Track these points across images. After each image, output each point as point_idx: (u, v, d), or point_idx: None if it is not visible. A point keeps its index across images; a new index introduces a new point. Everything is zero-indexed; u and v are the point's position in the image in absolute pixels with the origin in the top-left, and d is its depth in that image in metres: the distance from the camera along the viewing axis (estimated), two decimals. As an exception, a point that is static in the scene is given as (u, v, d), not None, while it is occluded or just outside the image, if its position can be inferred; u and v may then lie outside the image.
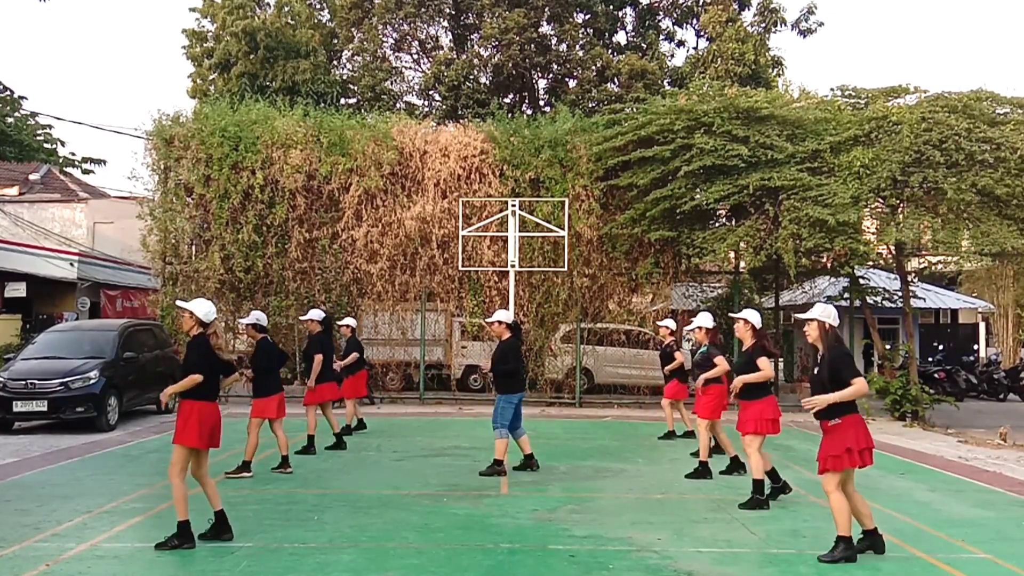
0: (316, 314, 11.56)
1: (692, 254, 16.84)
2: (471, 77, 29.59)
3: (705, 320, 10.03)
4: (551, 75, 31.09)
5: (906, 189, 15.27)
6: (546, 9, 29.56)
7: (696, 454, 11.07)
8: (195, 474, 6.86)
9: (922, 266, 22.45)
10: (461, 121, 23.30)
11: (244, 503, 8.17)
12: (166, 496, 8.42)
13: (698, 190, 16.16)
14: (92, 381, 13.24)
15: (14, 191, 29.81)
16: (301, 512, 7.87)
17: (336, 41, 33.17)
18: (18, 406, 13.00)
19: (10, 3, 64.42)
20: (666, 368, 12.71)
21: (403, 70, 32.95)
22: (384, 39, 31.87)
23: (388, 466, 10.58)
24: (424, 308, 18.56)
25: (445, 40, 32.75)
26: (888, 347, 19.01)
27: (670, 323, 13.16)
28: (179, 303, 7.38)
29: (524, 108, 29.57)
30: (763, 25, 30.82)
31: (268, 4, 33.26)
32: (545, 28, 30.63)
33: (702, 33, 31.58)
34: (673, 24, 33.46)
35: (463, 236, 17.18)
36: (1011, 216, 14.97)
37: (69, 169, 24.79)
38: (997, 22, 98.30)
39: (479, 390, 19.60)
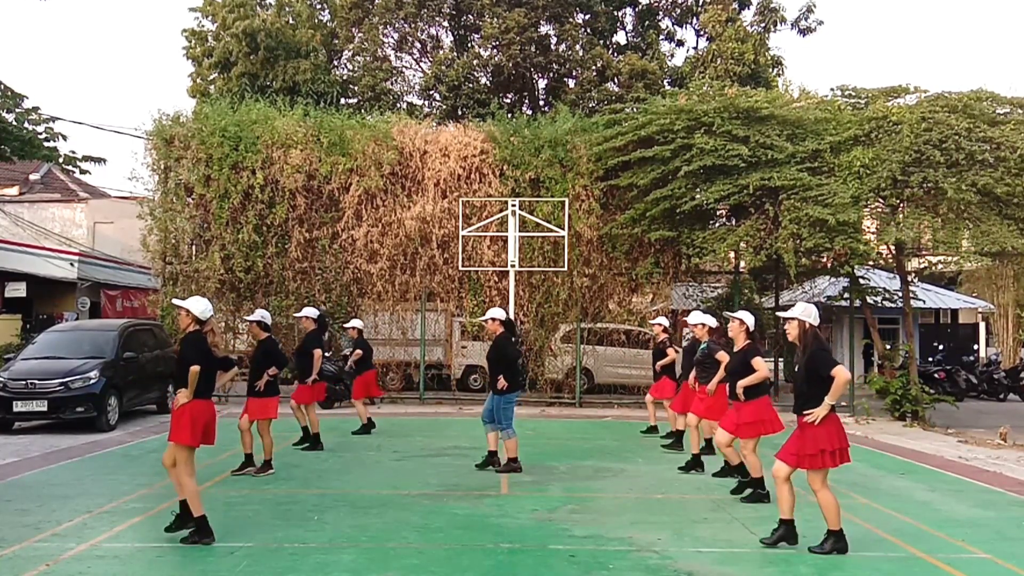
0: (311, 311, 11.59)
1: (692, 254, 16.84)
2: (471, 77, 29.59)
3: (709, 318, 10.07)
4: (551, 75, 31.09)
5: (906, 189, 15.27)
6: (546, 9, 29.55)
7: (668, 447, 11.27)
8: (166, 462, 6.83)
9: (922, 266, 22.46)
10: (461, 121, 23.30)
11: (244, 503, 8.17)
12: (166, 496, 8.43)
13: (698, 190, 16.15)
14: (92, 381, 13.23)
15: (14, 191, 29.83)
16: (301, 512, 7.87)
17: (336, 41, 33.18)
18: (18, 406, 13.00)
19: (10, 3, 64.42)
20: (658, 364, 12.68)
21: (403, 70, 32.96)
22: (384, 39, 31.89)
23: (388, 466, 10.58)
24: (424, 308, 18.56)
25: (445, 40, 32.76)
26: (888, 347, 19.01)
27: (663, 320, 13.14)
28: (175, 301, 7.39)
29: (524, 108, 29.57)
30: (763, 25, 30.83)
31: (268, 4, 33.26)
32: (545, 28, 30.63)
33: (702, 33, 31.59)
34: (673, 24, 33.48)
35: (463, 236, 17.18)
36: (1011, 216, 14.97)
37: (70, 167, 24.83)
38: (997, 22, 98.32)
39: (479, 390, 19.58)
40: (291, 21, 32.60)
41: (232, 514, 7.16)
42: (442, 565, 6.29)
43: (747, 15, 31.12)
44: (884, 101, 16.03)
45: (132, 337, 14.95)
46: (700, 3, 31.59)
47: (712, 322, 10.05)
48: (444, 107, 29.61)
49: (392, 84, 31.89)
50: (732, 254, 18.47)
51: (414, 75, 33.09)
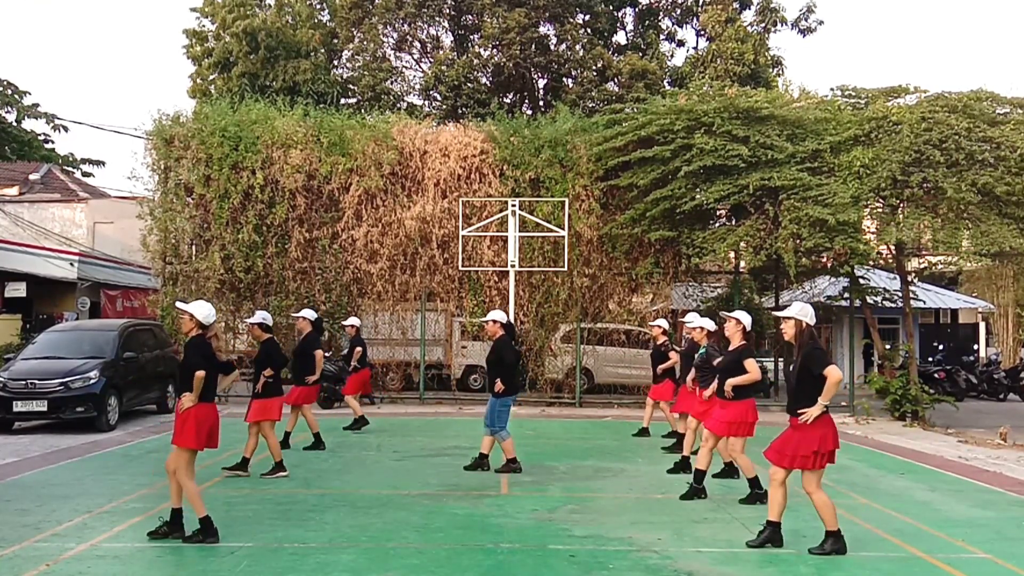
0: (308, 313, 11.61)
1: (692, 254, 16.83)
2: (471, 77, 29.57)
3: (707, 322, 10.06)
4: (551, 75, 31.08)
5: (906, 189, 15.27)
6: (546, 9, 29.54)
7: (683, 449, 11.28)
8: (168, 467, 6.83)
9: (922, 266, 22.46)
10: (461, 121, 23.29)
11: (244, 503, 8.17)
12: (166, 496, 8.41)
13: (698, 190, 16.15)
14: (92, 381, 13.23)
15: (14, 191, 29.80)
16: (301, 512, 7.87)
17: (336, 41, 33.16)
18: (18, 406, 13.00)
19: (10, 3, 64.41)
20: (659, 368, 12.67)
21: (403, 70, 32.94)
22: (384, 39, 31.86)
23: (388, 466, 10.58)
24: (424, 308, 18.56)
25: (445, 40, 32.75)
26: (888, 347, 19.01)
27: (663, 323, 13.12)
28: (179, 304, 7.39)
29: (524, 108, 29.55)
30: (763, 25, 30.82)
31: (268, 4, 33.25)
32: (545, 28, 30.61)
33: (702, 33, 31.58)
34: (673, 24, 33.46)
35: (463, 236, 17.18)
36: (1011, 215, 14.98)
37: (69, 169, 24.84)
38: (997, 22, 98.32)
39: (479, 390, 19.59)
40: (291, 21, 32.59)
41: (232, 514, 7.16)
42: (442, 565, 6.29)
43: (747, 15, 31.11)
44: (884, 101, 16.03)
45: (132, 337, 14.95)
46: (700, 3, 31.57)
47: (711, 325, 10.01)
48: (444, 107, 29.60)
49: (392, 84, 31.86)
50: (732, 254, 18.47)
51: (414, 75, 33.09)
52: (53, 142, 21.62)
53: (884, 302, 18.22)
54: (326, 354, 14.27)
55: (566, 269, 17.48)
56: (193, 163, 17.98)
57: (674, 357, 12.57)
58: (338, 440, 12.34)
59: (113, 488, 8.88)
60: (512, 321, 10.49)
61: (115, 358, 14.00)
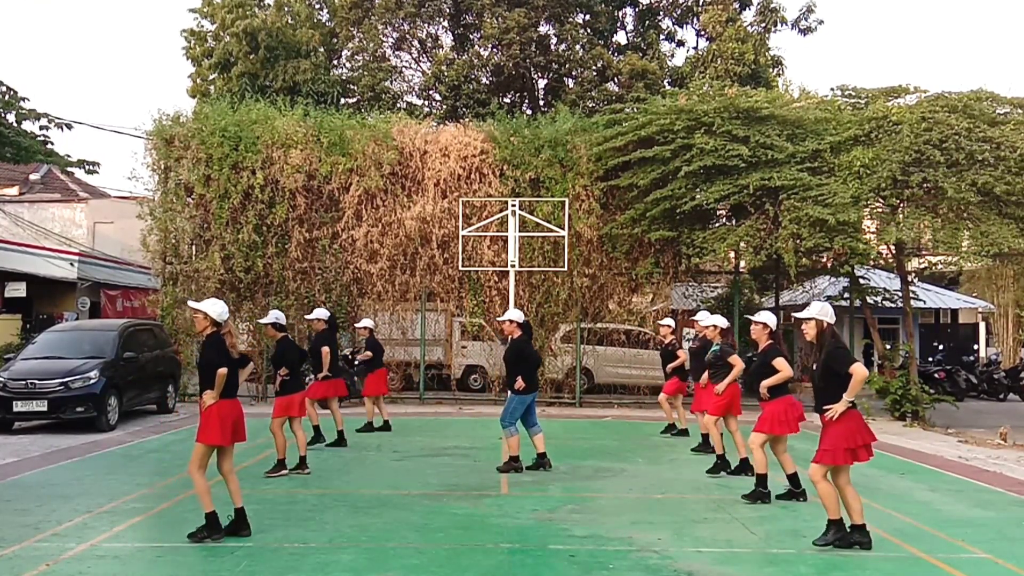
0: (322, 313, 11.84)
1: (692, 254, 16.84)
2: (471, 77, 29.56)
3: (720, 319, 10.10)
4: (551, 75, 31.07)
5: (906, 189, 15.26)
6: (546, 9, 29.53)
7: (697, 449, 11.29)
8: (220, 470, 6.94)
9: (922, 266, 22.46)
10: (461, 121, 23.28)
11: (244, 503, 8.15)
12: (166, 496, 8.45)
13: (698, 190, 16.15)
14: (92, 381, 13.22)
15: (14, 191, 29.81)
16: (301, 512, 7.88)
17: (336, 41, 33.16)
18: (18, 406, 12.99)
19: (9, 3, 64.41)
20: (668, 366, 12.75)
21: (403, 70, 32.94)
22: (384, 39, 31.85)
23: (388, 466, 10.58)
24: (424, 308, 18.56)
25: (445, 40, 32.74)
26: (888, 347, 19.01)
27: (670, 322, 13.21)
28: (191, 304, 7.42)
29: (524, 108, 29.55)
30: (763, 25, 30.81)
31: (268, 4, 33.23)
32: (545, 28, 30.61)
33: (702, 33, 31.57)
34: (673, 24, 33.43)
35: (463, 236, 17.17)
36: (1011, 215, 14.97)
37: (70, 170, 24.80)
38: (997, 22, 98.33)
39: (479, 390, 19.60)
40: (291, 21, 32.58)
41: (232, 514, 7.15)
42: (442, 565, 6.29)
43: (747, 15, 31.09)
44: (884, 101, 16.02)
45: (132, 337, 14.94)
46: (700, 3, 31.55)
47: (723, 323, 10.10)
48: (444, 107, 29.58)
49: (392, 84, 31.86)
50: (732, 254, 18.47)
51: (414, 75, 33.09)
52: (53, 143, 21.55)
53: (884, 302, 18.22)
54: (345, 352, 14.38)
55: (566, 269, 17.48)
56: (193, 163, 17.98)
57: (682, 356, 12.67)
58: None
59: (113, 488, 8.88)
60: (529, 321, 10.50)
61: (115, 358, 14.00)
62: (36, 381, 13.07)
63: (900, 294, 17.31)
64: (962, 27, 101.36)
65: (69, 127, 20.64)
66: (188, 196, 18.46)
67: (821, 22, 31.97)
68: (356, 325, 14.29)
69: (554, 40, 30.68)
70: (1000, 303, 30.00)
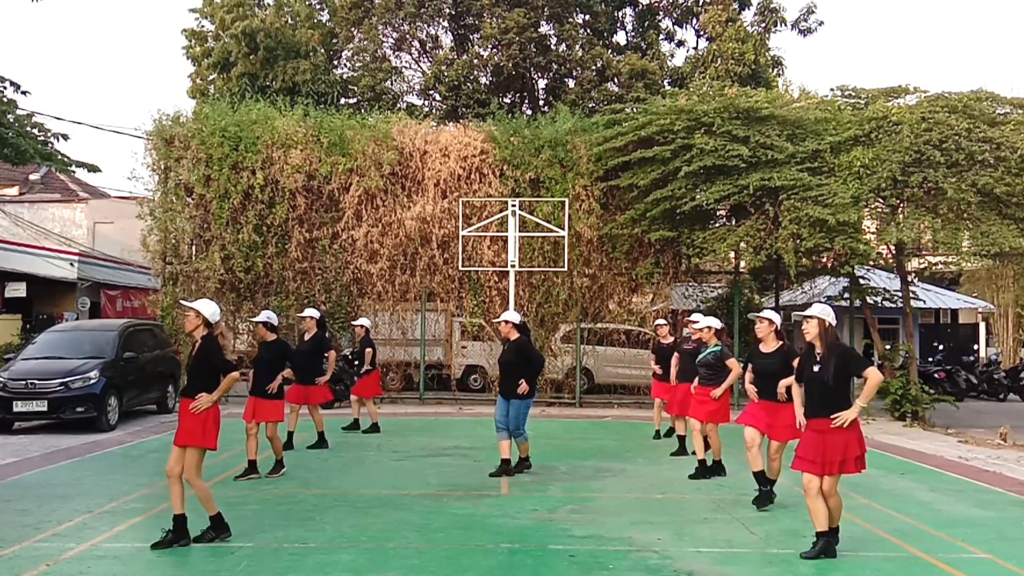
0: (313, 312, 11.68)
1: (692, 254, 16.83)
2: (471, 77, 29.58)
3: (714, 320, 9.94)
4: (551, 75, 31.08)
5: (906, 189, 15.26)
6: (546, 9, 29.54)
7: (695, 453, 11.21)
8: (173, 471, 6.68)
9: (922, 266, 22.45)
10: (461, 121, 23.29)
11: (244, 503, 8.17)
12: (166, 496, 8.40)
13: (698, 190, 16.15)
14: (92, 381, 13.23)
15: (14, 191, 29.79)
16: (301, 512, 7.87)
17: (336, 41, 33.17)
18: (18, 406, 13.00)
19: (8, 3, 64.45)
20: (661, 367, 12.59)
21: (403, 70, 32.95)
22: (384, 39, 31.86)
23: (388, 466, 10.58)
24: (424, 308, 18.56)
25: (445, 40, 32.75)
26: (888, 347, 19.01)
27: (663, 321, 13.07)
28: (183, 302, 7.38)
29: (524, 108, 29.56)
30: (763, 25, 30.82)
31: (267, 4, 33.23)
32: (545, 28, 30.62)
33: (702, 33, 31.58)
34: (673, 24, 33.45)
35: (463, 236, 17.18)
36: (1011, 216, 14.97)
37: (72, 170, 24.75)
38: (997, 22, 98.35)
39: (479, 390, 19.60)
40: (290, 21, 32.59)
41: (232, 514, 7.15)
42: (442, 565, 6.29)
43: (747, 15, 31.11)
44: (884, 101, 16.02)
45: (132, 337, 14.94)
46: (700, 3, 31.56)
47: (717, 324, 9.91)
48: (444, 107, 29.60)
49: (392, 84, 31.87)
50: (732, 254, 18.47)
51: (414, 75, 33.10)
52: (54, 143, 21.53)
53: (884, 302, 18.22)
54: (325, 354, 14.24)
55: (566, 269, 17.48)
56: (193, 163, 17.98)
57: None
58: (338, 440, 12.32)
59: (113, 488, 8.88)
60: (526, 322, 10.36)
61: (115, 358, 14.00)
62: (36, 381, 13.07)
63: (900, 294, 17.31)
64: (962, 27, 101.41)
65: (66, 137, 20.61)
66: (188, 196, 18.47)
67: (821, 23, 32.03)
68: (353, 323, 14.21)
69: (554, 40, 30.68)
70: (1000, 303, 30.00)
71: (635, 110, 18.46)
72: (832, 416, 6.35)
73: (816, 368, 6.57)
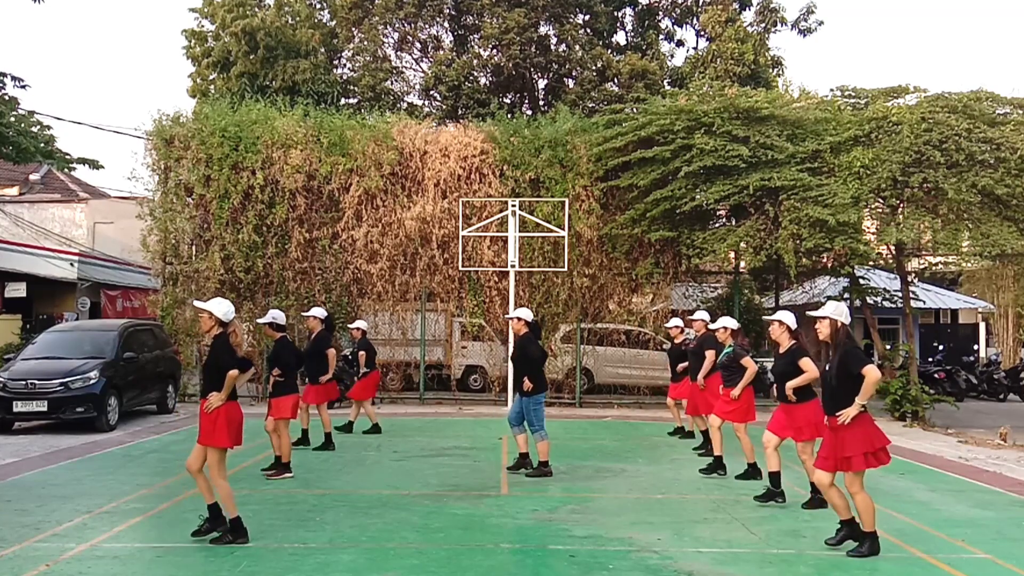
0: (319, 312, 11.62)
1: (692, 254, 16.82)
2: (471, 77, 29.58)
3: (730, 321, 9.97)
4: (551, 75, 31.08)
5: (906, 189, 15.27)
6: (546, 9, 29.54)
7: (701, 451, 11.20)
8: (193, 468, 6.77)
9: (922, 266, 22.45)
10: (461, 121, 23.28)
11: (244, 503, 8.13)
12: (166, 496, 8.45)
13: (698, 190, 16.15)
14: (92, 381, 13.22)
15: (14, 191, 29.77)
16: (301, 512, 7.87)
17: (336, 41, 33.16)
18: (18, 406, 12.99)
19: (8, 3, 64.45)
20: (679, 366, 12.62)
21: (403, 70, 32.95)
22: (384, 39, 31.86)
23: (388, 466, 10.58)
24: (424, 308, 18.56)
25: (445, 40, 32.75)
26: (888, 347, 19.01)
27: (679, 322, 13.08)
28: (196, 303, 7.32)
29: (524, 108, 29.56)
30: (763, 25, 30.83)
31: (267, 4, 33.24)
32: (545, 28, 30.62)
33: (702, 33, 31.60)
34: (673, 24, 33.47)
35: (463, 236, 17.18)
36: (1011, 217, 14.97)
37: (67, 168, 24.75)
38: (997, 22, 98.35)
39: (479, 390, 19.60)
40: (290, 21, 32.58)
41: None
42: (442, 565, 6.29)
43: (747, 15, 31.12)
44: (884, 101, 16.02)
45: (132, 337, 14.94)
46: (700, 3, 31.58)
47: (734, 324, 9.94)
48: (444, 107, 29.60)
49: (392, 84, 31.88)
50: (732, 254, 18.46)
51: (414, 75, 33.09)
52: (55, 142, 21.55)
53: (884, 302, 18.22)
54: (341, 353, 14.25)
55: (566, 269, 17.48)
56: (193, 163, 17.98)
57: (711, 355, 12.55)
58: (338, 440, 12.28)
59: (113, 488, 8.88)
60: (536, 320, 10.36)
61: (115, 358, 13.99)
62: (36, 381, 13.06)
63: (900, 294, 17.31)
64: (962, 27, 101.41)
65: (68, 158, 20.69)
66: (188, 196, 18.46)
67: (821, 23, 32.05)
68: (349, 326, 14.18)
69: (554, 40, 30.69)
70: (1000, 303, 30.00)
71: (635, 110, 18.46)
72: (838, 414, 6.45)
73: (827, 367, 6.70)
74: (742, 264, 18.70)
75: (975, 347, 27.04)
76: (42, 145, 20.61)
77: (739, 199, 15.75)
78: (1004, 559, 6.59)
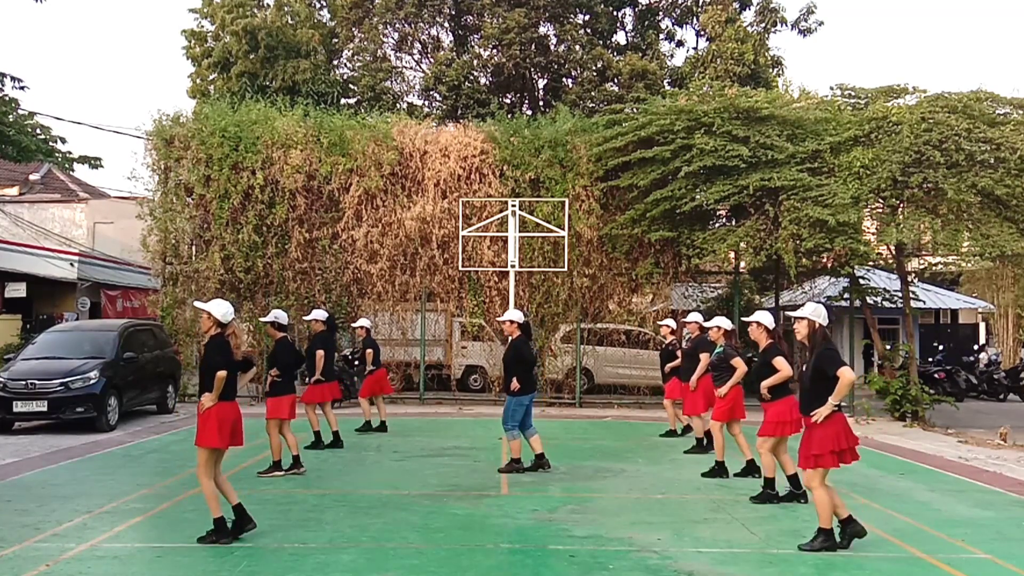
0: (320, 314, 11.65)
1: (692, 254, 16.82)
2: (471, 77, 29.59)
3: (723, 320, 10.04)
4: (551, 75, 31.09)
5: (906, 189, 15.26)
6: (546, 9, 29.55)
7: (694, 451, 11.27)
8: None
9: (922, 267, 22.44)
10: (461, 121, 23.28)
11: (244, 503, 8.15)
12: (166, 496, 8.45)
13: (698, 190, 16.15)
14: (92, 381, 13.22)
15: (14, 191, 29.76)
16: (301, 512, 7.87)
17: (336, 41, 33.18)
18: (18, 406, 12.99)
19: (9, 3, 64.44)
20: (667, 366, 12.72)
21: (403, 70, 32.96)
22: (384, 39, 31.88)
23: (388, 466, 10.58)
24: (424, 308, 18.55)
25: (445, 40, 32.76)
26: (888, 347, 19.01)
27: (671, 322, 13.17)
28: (197, 304, 7.38)
29: (524, 108, 29.57)
30: (763, 25, 30.85)
31: (267, 4, 33.24)
32: (545, 28, 30.63)
33: (702, 33, 31.61)
34: (673, 24, 33.49)
35: (463, 236, 17.18)
36: (1011, 218, 14.96)
37: (67, 166, 24.78)
38: (997, 22, 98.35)
39: (479, 390, 19.60)
40: (290, 21, 32.59)
41: (232, 514, 7.16)
42: (442, 565, 6.29)
43: (747, 15, 31.14)
44: (884, 101, 16.02)
45: (132, 337, 14.94)
46: (700, 3, 31.60)
47: (728, 325, 10.00)
48: (444, 107, 29.61)
49: (392, 84, 31.89)
50: (732, 254, 18.46)
51: (414, 75, 33.11)
52: (55, 142, 21.61)
53: (884, 302, 18.21)
54: (344, 353, 14.27)
55: (566, 269, 17.48)
56: (193, 163, 17.97)
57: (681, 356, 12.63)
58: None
59: (113, 488, 8.88)
60: (529, 321, 10.47)
61: (115, 358, 13.99)
62: (36, 381, 13.06)
63: (900, 294, 17.30)
64: (962, 27, 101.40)
65: (63, 140, 20.71)
66: (188, 196, 18.46)
67: (821, 23, 32.07)
68: (353, 325, 14.23)
69: (554, 40, 30.70)
70: (1000, 303, 29.99)
71: (635, 110, 18.46)
72: (812, 413, 6.57)
73: (804, 367, 6.82)
74: (742, 264, 18.69)
75: (975, 347, 27.01)
76: (42, 143, 20.63)
77: (739, 199, 15.74)
78: (1004, 559, 6.59)
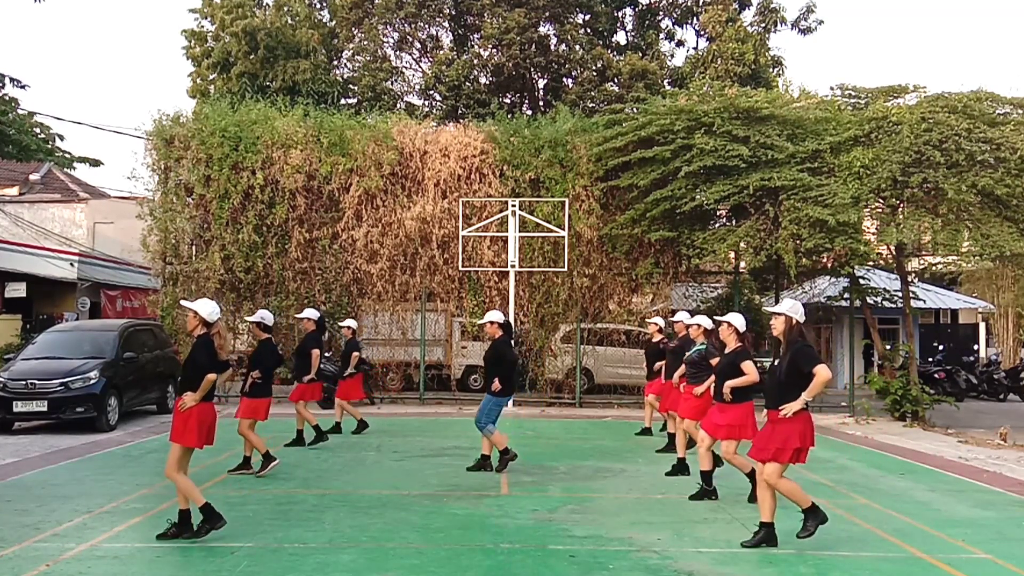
0: (312, 313, 11.71)
1: (692, 254, 16.83)
2: (471, 77, 29.59)
3: (704, 319, 10.00)
4: (551, 75, 31.09)
5: (906, 189, 15.26)
6: (546, 9, 29.55)
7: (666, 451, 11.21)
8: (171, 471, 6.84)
9: (922, 267, 22.44)
10: (461, 121, 23.29)
11: (244, 503, 8.17)
12: (166, 496, 8.43)
13: (698, 190, 16.15)
14: (92, 381, 13.23)
15: (14, 191, 29.77)
16: (301, 512, 7.87)
17: (336, 41, 33.18)
18: (18, 406, 12.99)
19: (9, 2, 64.47)
20: (656, 364, 12.60)
21: (403, 70, 32.96)
22: (384, 39, 31.88)
23: (388, 466, 10.58)
24: (424, 308, 18.55)
25: (445, 40, 32.76)
26: (888, 347, 19.00)
27: (660, 320, 13.11)
28: (183, 302, 7.43)
29: (524, 108, 29.56)
30: (763, 25, 30.84)
31: (267, 4, 33.24)
32: (545, 28, 30.63)
33: (702, 33, 31.61)
34: (673, 24, 33.47)
35: (463, 236, 17.18)
36: (1011, 218, 14.96)
37: (68, 167, 24.78)
38: (997, 22, 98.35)
39: (479, 390, 19.57)
40: (290, 21, 32.59)
41: (232, 514, 7.16)
42: (442, 565, 6.29)
43: (747, 15, 31.14)
44: (884, 101, 16.02)
45: (132, 337, 14.94)
46: (700, 3, 31.58)
47: (708, 323, 9.96)
48: (444, 107, 29.61)
49: (392, 84, 31.88)
50: (732, 254, 18.46)
51: (414, 75, 33.11)
52: (55, 140, 21.63)
53: (884, 302, 18.21)
54: (326, 354, 14.24)
55: (566, 269, 17.48)
56: (193, 163, 17.97)
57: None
58: (338, 440, 12.33)
59: (113, 488, 8.88)
60: (510, 321, 10.52)
61: (115, 358, 14.00)
62: (36, 381, 13.07)
63: (900, 294, 17.30)
64: (962, 27, 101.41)
65: (62, 138, 20.72)
66: (188, 196, 18.46)
67: (821, 22, 32.07)
68: (339, 324, 14.18)
69: (554, 40, 30.69)
70: (1000, 303, 30.00)
71: (635, 110, 18.46)
72: (780, 408, 6.55)
73: (776, 362, 6.81)
74: (742, 264, 18.69)
75: (975, 347, 27.01)
76: (42, 142, 20.64)
77: (739, 199, 15.74)
78: (1004, 559, 6.59)
